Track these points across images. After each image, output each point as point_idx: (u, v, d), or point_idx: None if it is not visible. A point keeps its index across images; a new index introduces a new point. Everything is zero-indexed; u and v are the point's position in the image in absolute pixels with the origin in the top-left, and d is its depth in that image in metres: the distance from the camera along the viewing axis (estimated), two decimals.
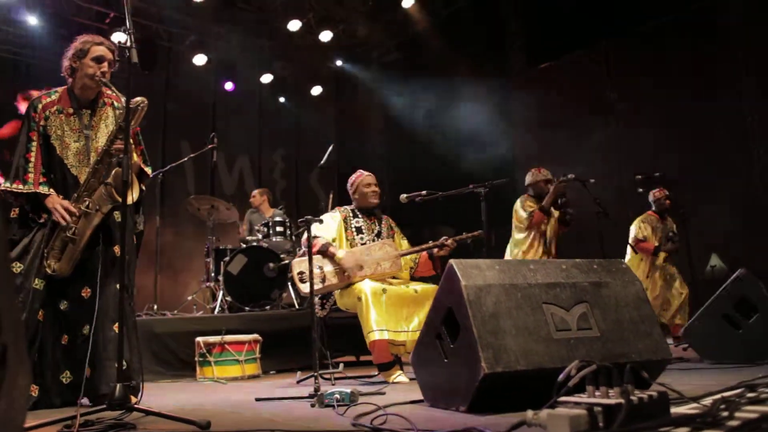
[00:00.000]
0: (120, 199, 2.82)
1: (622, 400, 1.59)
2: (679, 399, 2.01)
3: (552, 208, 5.23)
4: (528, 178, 5.44)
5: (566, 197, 5.28)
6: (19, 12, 7.19)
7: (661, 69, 7.40)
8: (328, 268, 3.82)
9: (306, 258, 3.82)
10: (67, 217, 2.89)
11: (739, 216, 6.48)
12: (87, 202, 2.93)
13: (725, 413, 1.73)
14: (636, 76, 7.65)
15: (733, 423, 1.64)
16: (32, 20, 7.18)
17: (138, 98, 2.82)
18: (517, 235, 5.36)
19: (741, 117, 6.76)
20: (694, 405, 1.94)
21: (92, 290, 2.94)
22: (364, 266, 3.82)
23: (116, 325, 2.87)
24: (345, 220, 4.08)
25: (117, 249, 2.98)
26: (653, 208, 6.08)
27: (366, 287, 3.63)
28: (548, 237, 5.29)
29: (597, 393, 1.67)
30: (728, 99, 6.87)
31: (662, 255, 5.87)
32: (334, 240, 3.96)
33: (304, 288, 3.77)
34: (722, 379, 2.70)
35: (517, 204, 5.33)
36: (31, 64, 7.53)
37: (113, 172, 2.87)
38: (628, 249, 5.83)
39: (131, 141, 2.86)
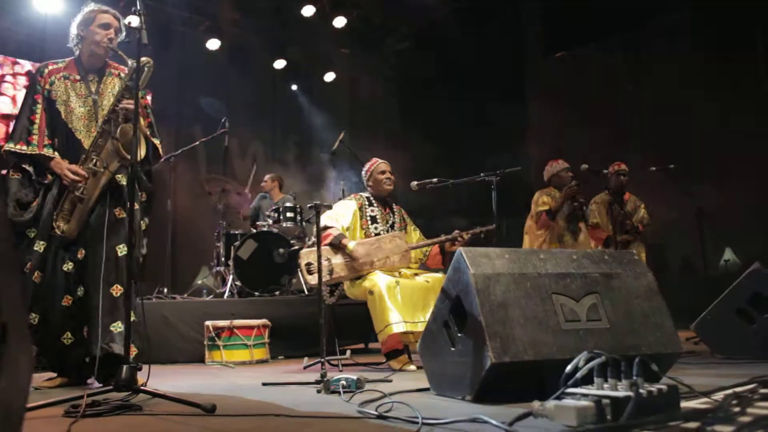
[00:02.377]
0: (127, 155, 2.85)
1: (630, 393, 1.56)
2: (689, 393, 1.98)
3: (581, 224, 5.12)
4: (547, 171, 5.32)
5: (582, 200, 5.12)
6: None
7: (678, 60, 7.28)
8: (337, 260, 3.77)
9: (315, 249, 3.82)
10: (78, 177, 2.92)
11: (755, 210, 6.39)
12: (95, 161, 2.96)
13: (737, 408, 1.70)
14: (653, 67, 7.54)
15: (745, 419, 1.61)
16: (48, 2, 7.19)
17: (144, 58, 2.82)
18: (531, 227, 5.25)
19: (762, 109, 6.64)
20: (705, 400, 1.91)
21: (88, 251, 2.95)
22: (374, 259, 3.79)
23: (114, 287, 2.90)
24: (360, 208, 4.03)
25: (118, 211, 3.01)
26: (608, 186, 5.34)
27: (380, 281, 3.58)
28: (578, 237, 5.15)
29: (605, 385, 1.65)
30: (747, 92, 6.76)
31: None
32: (347, 229, 3.91)
33: (311, 279, 3.77)
34: (734, 374, 2.66)
35: (535, 196, 5.24)
36: (45, 45, 7.55)
37: (119, 128, 2.92)
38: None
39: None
